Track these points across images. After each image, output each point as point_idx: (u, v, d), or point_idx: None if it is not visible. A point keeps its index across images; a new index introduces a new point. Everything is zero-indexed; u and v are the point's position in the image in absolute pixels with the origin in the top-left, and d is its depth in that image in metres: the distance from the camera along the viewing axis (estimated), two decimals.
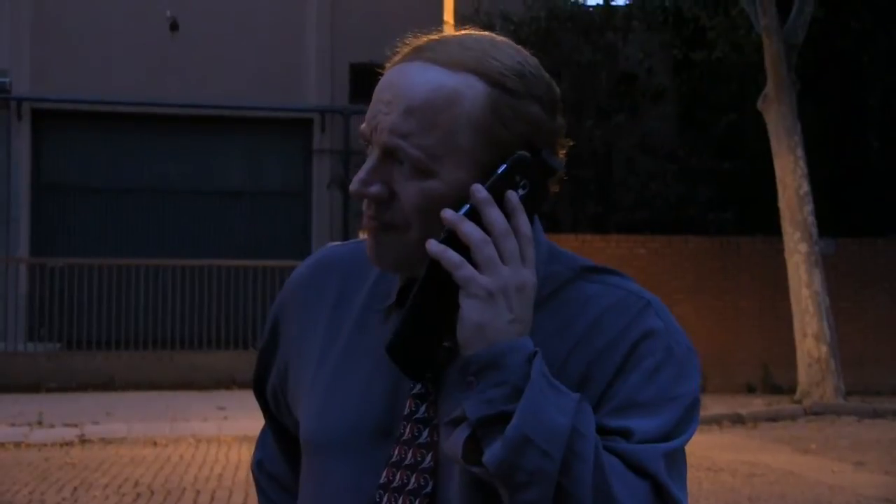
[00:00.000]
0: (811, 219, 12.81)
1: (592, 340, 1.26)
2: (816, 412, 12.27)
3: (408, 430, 1.30)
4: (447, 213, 1.21)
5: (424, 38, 1.31)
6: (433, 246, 1.20)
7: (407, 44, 1.32)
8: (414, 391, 1.31)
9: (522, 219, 1.22)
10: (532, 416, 1.14)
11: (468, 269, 1.19)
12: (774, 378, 13.90)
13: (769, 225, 13.97)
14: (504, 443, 1.13)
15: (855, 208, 16.17)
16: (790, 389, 13.20)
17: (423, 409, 1.30)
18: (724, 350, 13.61)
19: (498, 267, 1.19)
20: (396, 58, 1.31)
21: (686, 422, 1.26)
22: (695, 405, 1.28)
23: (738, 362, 13.86)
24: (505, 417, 1.14)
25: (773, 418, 12.09)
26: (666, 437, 1.23)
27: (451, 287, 1.20)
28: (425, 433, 1.29)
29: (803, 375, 12.83)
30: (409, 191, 1.25)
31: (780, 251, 13.18)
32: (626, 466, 1.18)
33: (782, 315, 13.28)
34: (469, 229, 1.20)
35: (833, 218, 14.67)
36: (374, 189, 1.26)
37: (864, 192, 16.46)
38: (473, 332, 1.18)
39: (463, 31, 1.32)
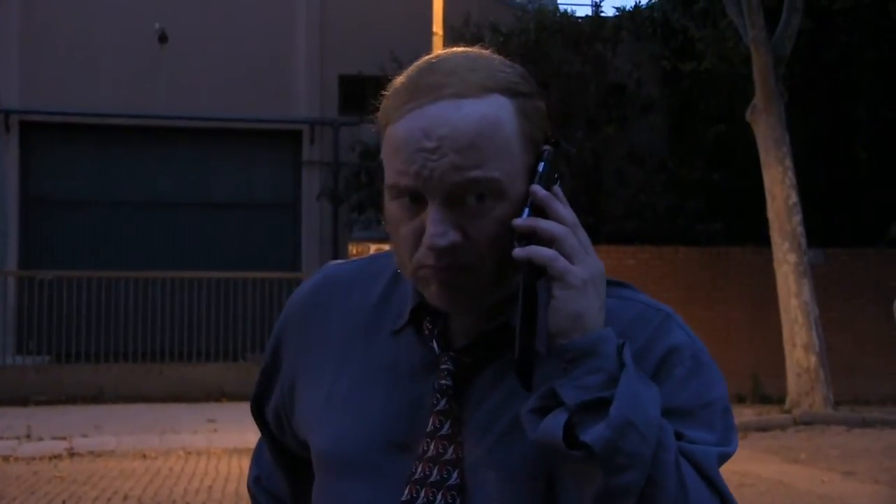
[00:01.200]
0: (800, 229, 12.85)
1: None
2: (806, 422, 12.30)
3: (431, 446, 1.30)
4: (518, 221, 1.22)
5: (421, 74, 1.27)
6: (521, 251, 1.21)
7: (398, 85, 1.28)
8: (437, 407, 1.31)
9: (571, 210, 1.26)
10: (632, 402, 1.16)
11: (563, 261, 1.21)
12: (764, 388, 13.93)
13: (758, 235, 14.01)
14: (609, 423, 1.14)
15: (843, 218, 16.23)
16: (780, 399, 13.23)
17: (447, 425, 1.30)
18: (713, 360, 13.60)
19: (585, 256, 1.22)
20: (399, 103, 1.26)
21: (730, 431, 1.30)
22: (729, 411, 1.32)
23: (727, 372, 13.53)
24: (602, 403, 1.16)
25: (763, 428, 12.11)
26: (715, 444, 1.27)
27: (535, 291, 1.23)
28: (451, 450, 1.29)
29: (793, 385, 12.85)
30: (481, 225, 1.23)
31: (769, 261, 13.22)
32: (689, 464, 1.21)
33: (771, 325, 13.31)
34: (549, 225, 1.22)
35: (822, 228, 14.72)
36: (452, 237, 1.22)
37: (852, 202, 16.52)
38: (572, 321, 1.20)
39: (445, 53, 1.31)
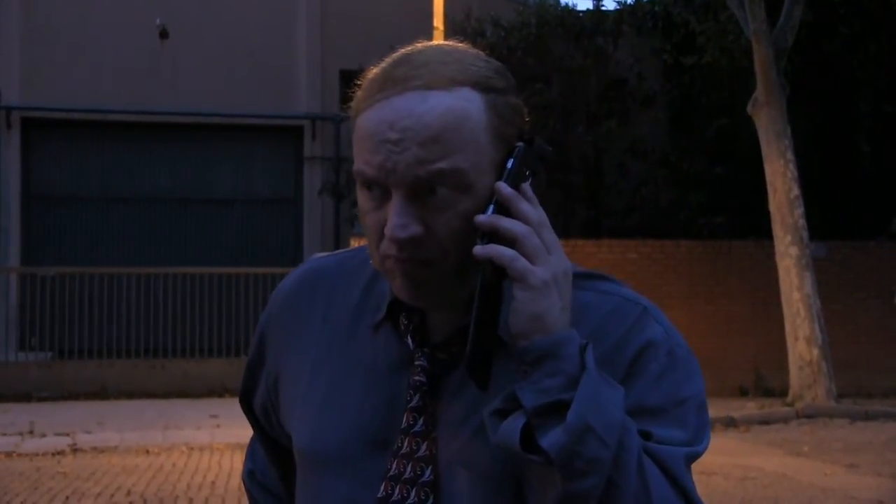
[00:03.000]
0: (802, 222, 12.83)
1: (595, 348, 1.24)
2: (808, 415, 12.29)
3: (406, 443, 1.30)
4: (481, 218, 1.21)
5: (393, 66, 1.28)
6: (481, 249, 1.20)
7: (371, 75, 1.29)
8: (411, 404, 1.31)
9: (540, 209, 1.24)
10: (592, 405, 1.14)
11: (523, 261, 1.19)
12: (767, 381, 13.92)
13: (760, 229, 14.00)
14: (566, 429, 1.13)
15: (845, 211, 16.21)
16: (782, 392, 13.23)
17: (420, 422, 1.30)
18: (716, 353, 13.61)
19: (547, 256, 1.21)
20: (367, 94, 1.27)
21: (702, 429, 1.28)
22: (703, 407, 1.30)
23: (730, 366, 13.87)
24: (561, 406, 1.15)
25: (766, 421, 12.10)
26: (684, 444, 1.25)
27: (498, 289, 1.22)
28: (423, 447, 1.29)
29: (795, 378, 12.84)
30: (444, 219, 1.23)
31: (771, 255, 13.21)
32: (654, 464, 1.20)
33: (774, 318, 13.31)
34: (511, 224, 1.21)
35: (824, 221, 14.71)
36: (413, 230, 1.22)
37: (854, 195, 16.50)
38: (532, 322, 1.18)
39: (421, 46, 1.30)
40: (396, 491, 1.29)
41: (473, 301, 1.22)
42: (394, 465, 1.30)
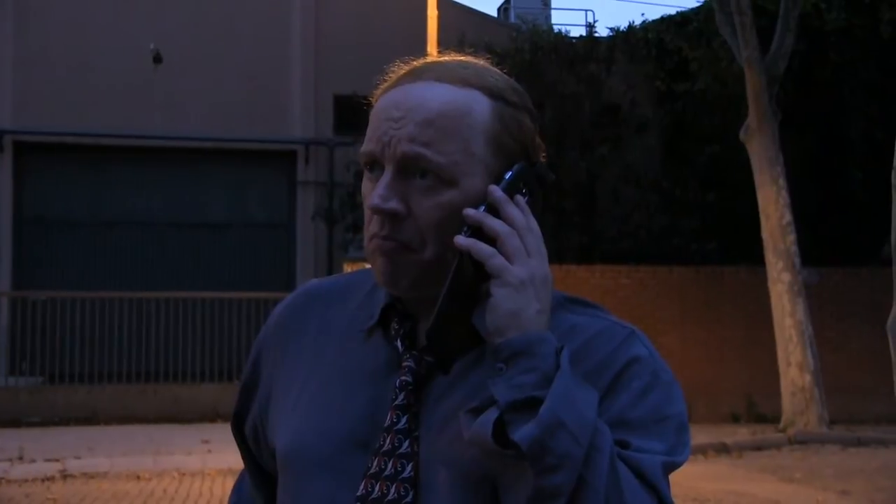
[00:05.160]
0: (794, 248, 12.86)
1: (581, 365, 1.26)
2: (801, 441, 12.28)
3: (388, 440, 1.30)
4: (469, 212, 1.25)
5: (417, 62, 1.35)
6: (462, 240, 1.23)
7: (396, 71, 1.36)
8: (396, 402, 1.31)
9: (532, 219, 1.28)
10: (564, 402, 1.16)
11: (501, 259, 1.23)
12: (759, 407, 13.91)
13: (752, 255, 14.02)
14: (538, 422, 1.14)
15: (837, 238, 16.24)
16: (775, 418, 13.21)
17: (404, 420, 1.30)
18: (708, 379, 13.61)
19: (527, 258, 1.24)
20: (388, 83, 1.34)
21: (681, 444, 1.29)
22: (684, 427, 1.31)
23: (722, 391, 13.86)
24: (534, 403, 1.16)
25: (758, 447, 12.09)
26: (663, 454, 1.26)
27: (474, 285, 1.25)
28: (406, 444, 1.30)
29: (787, 404, 12.84)
30: (426, 205, 1.27)
31: (763, 281, 13.23)
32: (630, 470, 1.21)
33: (766, 344, 13.31)
34: (495, 222, 1.24)
35: (816, 248, 14.74)
36: (393, 204, 1.27)
37: (846, 221, 16.53)
38: (507, 318, 1.21)
39: (448, 57, 1.37)
40: (376, 488, 1.29)
41: (476, 306, 1.25)
42: (374, 463, 1.30)
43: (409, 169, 1.27)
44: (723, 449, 11.78)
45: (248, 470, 1.61)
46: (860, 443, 12.35)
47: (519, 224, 1.25)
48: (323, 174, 16.99)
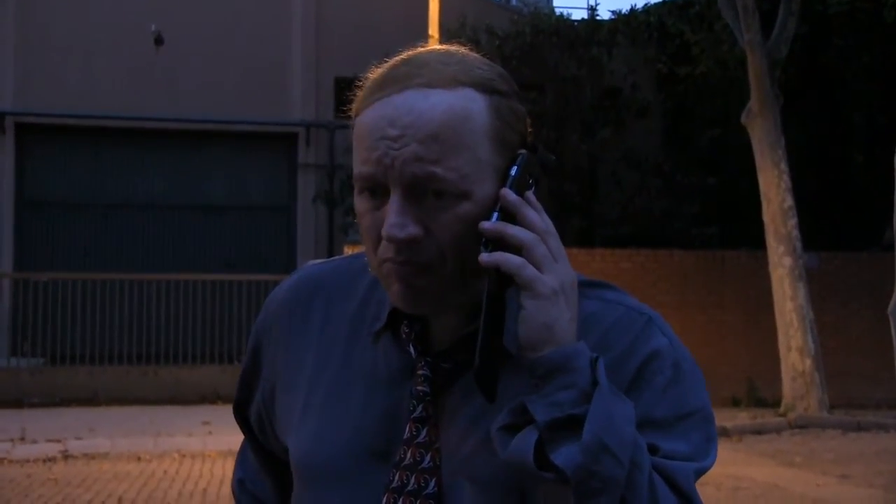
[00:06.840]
0: (795, 233, 12.85)
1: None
2: (801, 425, 12.31)
3: (409, 454, 1.27)
4: (486, 225, 1.18)
5: (395, 64, 1.25)
6: (487, 257, 1.16)
7: (371, 76, 1.27)
8: (414, 415, 1.28)
9: (546, 217, 1.22)
10: (606, 423, 1.12)
11: (531, 269, 1.16)
12: (759, 391, 13.93)
13: (753, 239, 14.02)
14: (582, 448, 1.10)
15: (839, 222, 16.25)
16: (775, 403, 13.24)
17: (424, 432, 1.27)
18: (708, 364, 13.59)
19: (554, 264, 1.18)
20: (368, 94, 1.25)
21: (708, 442, 1.26)
22: (709, 419, 1.27)
23: (722, 376, 13.87)
24: (574, 421, 1.12)
25: (758, 431, 12.11)
26: (691, 458, 1.23)
27: (501, 298, 1.19)
28: (427, 458, 1.27)
29: (788, 389, 12.86)
30: (444, 222, 1.19)
31: (764, 265, 13.22)
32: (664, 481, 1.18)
33: (767, 329, 13.32)
34: (517, 231, 1.18)
35: (817, 232, 14.74)
36: (411, 230, 1.18)
37: (847, 206, 16.54)
38: (541, 332, 1.16)
39: (421, 49, 1.28)
40: (399, 502, 1.26)
41: (479, 309, 1.19)
42: (396, 477, 1.27)
43: (419, 188, 1.18)
44: (723, 433, 11.79)
45: (254, 454, 1.58)
46: (860, 427, 12.36)
47: (539, 228, 1.19)
48: (323, 157, 16.98)
